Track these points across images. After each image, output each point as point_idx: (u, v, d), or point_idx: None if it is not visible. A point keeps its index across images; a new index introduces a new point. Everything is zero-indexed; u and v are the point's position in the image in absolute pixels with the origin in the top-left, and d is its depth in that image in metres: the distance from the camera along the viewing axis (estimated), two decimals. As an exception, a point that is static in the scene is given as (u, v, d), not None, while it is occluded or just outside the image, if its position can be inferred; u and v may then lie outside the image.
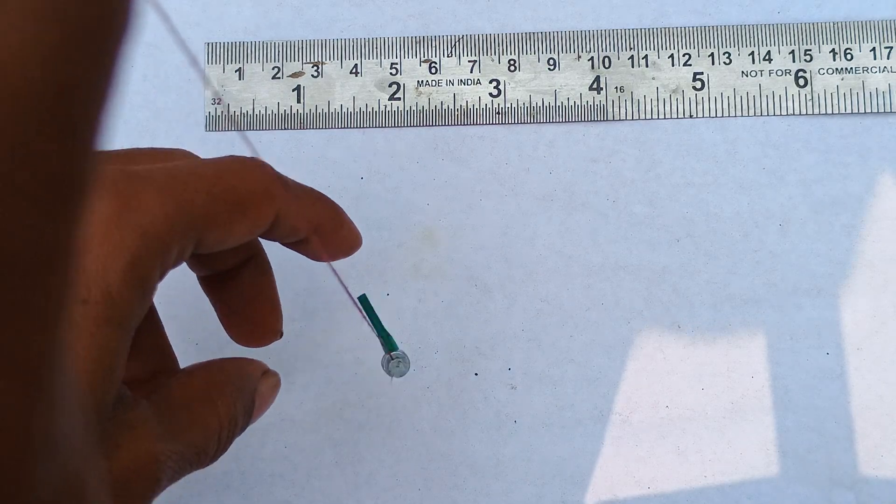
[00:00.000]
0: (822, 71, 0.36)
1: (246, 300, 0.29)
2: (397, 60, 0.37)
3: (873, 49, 0.36)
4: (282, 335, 0.29)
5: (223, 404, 0.25)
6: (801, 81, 0.36)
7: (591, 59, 0.37)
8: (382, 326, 0.30)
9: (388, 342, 0.30)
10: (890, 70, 0.36)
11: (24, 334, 0.11)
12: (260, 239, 0.29)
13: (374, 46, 0.37)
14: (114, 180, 0.22)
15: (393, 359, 0.30)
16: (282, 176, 0.26)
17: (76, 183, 0.11)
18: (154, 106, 0.37)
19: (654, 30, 0.37)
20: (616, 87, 0.36)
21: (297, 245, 0.28)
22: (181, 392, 0.25)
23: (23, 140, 0.10)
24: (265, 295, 0.29)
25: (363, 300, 0.30)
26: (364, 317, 0.30)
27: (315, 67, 0.37)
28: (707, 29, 0.37)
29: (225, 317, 0.29)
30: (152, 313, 0.27)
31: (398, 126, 0.37)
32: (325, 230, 0.27)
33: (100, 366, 0.21)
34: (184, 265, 0.29)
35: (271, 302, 0.29)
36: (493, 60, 0.37)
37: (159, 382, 0.25)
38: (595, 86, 0.37)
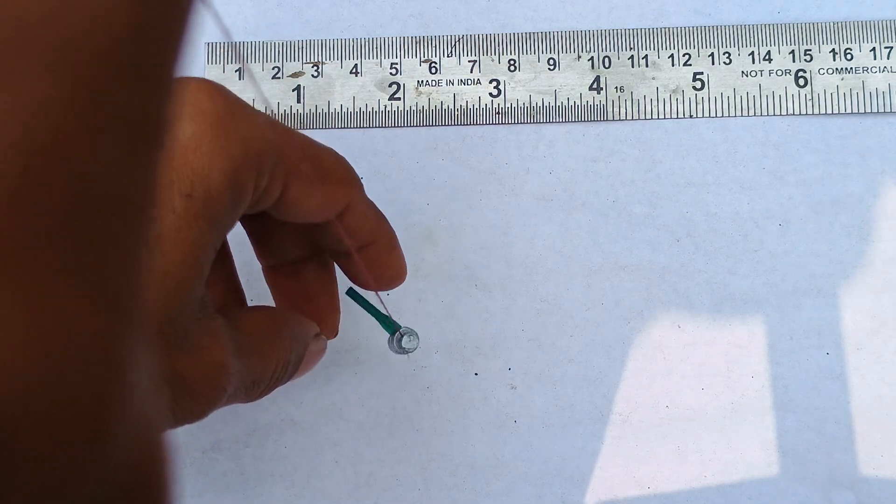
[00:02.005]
0: (822, 71, 0.36)
1: (307, 296, 0.30)
2: (397, 60, 0.37)
3: (873, 49, 0.36)
4: (337, 334, 0.30)
5: (282, 346, 0.26)
6: (801, 81, 0.36)
7: (591, 59, 0.37)
8: (377, 311, 0.31)
9: (386, 325, 0.31)
10: (890, 70, 0.36)
11: (112, 268, 0.11)
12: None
13: (374, 46, 0.37)
14: (226, 94, 0.24)
15: (403, 336, 0.31)
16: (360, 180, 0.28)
17: (154, 125, 0.12)
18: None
19: (654, 30, 0.37)
20: (616, 87, 0.36)
21: (349, 259, 0.29)
22: (250, 323, 0.26)
23: (105, 84, 0.11)
24: (326, 294, 0.30)
25: (351, 293, 0.30)
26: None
27: (315, 67, 0.37)
28: (707, 29, 0.37)
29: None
30: (226, 248, 0.28)
31: (398, 126, 0.37)
32: (380, 247, 0.28)
33: (193, 258, 0.23)
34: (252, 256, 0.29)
35: (331, 302, 0.30)
36: (493, 60, 0.37)
37: (230, 310, 0.26)
38: (595, 86, 0.37)
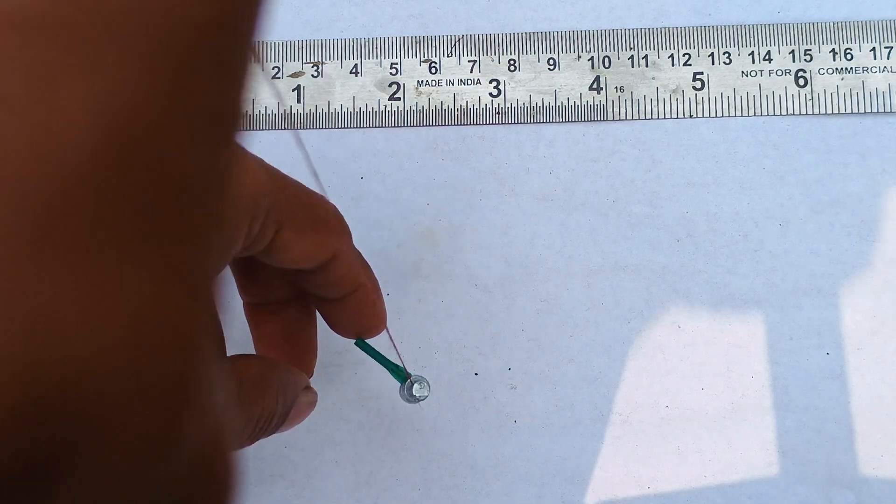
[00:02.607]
0: (822, 71, 0.36)
1: (286, 337, 0.30)
2: (397, 60, 0.37)
3: (873, 49, 0.36)
4: (312, 375, 0.30)
5: (269, 396, 0.26)
6: (801, 81, 0.36)
7: (591, 59, 0.37)
8: (387, 360, 0.31)
9: (396, 374, 0.31)
10: (890, 70, 0.36)
11: (191, 255, 0.12)
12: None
13: (374, 46, 0.37)
14: None
15: (413, 384, 0.31)
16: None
17: (231, 113, 0.12)
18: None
19: (654, 30, 0.37)
20: (616, 87, 0.36)
21: (332, 306, 0.29)
22: (237, 370, 0.25)
23: (187, 73, 0.11)
24: (305, 335, 0.30)
25: (360, 343, 0.30)
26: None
27: (315, 67, 0.37)
28: (707, 29, 0.37)
29: (263, 349, 0.30)
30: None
31: (398, 126, 0.37)
32: (363, 295, 0.28)
33: None
34: (234, 290, 0.29)
35: (309, 343, 0.30)
36: (493, 60, 0.37)
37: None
38: (595, 86, 0.37)
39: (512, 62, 0.37)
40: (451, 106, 0.37)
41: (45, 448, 0.10)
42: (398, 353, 0.31)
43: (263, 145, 0.36)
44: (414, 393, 0.31)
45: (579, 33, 0.37)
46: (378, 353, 0.30)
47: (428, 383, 0.31)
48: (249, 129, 0.37)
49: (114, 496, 0.11)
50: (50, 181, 0.10)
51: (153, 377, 0.11)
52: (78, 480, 0.11)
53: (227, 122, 0.12)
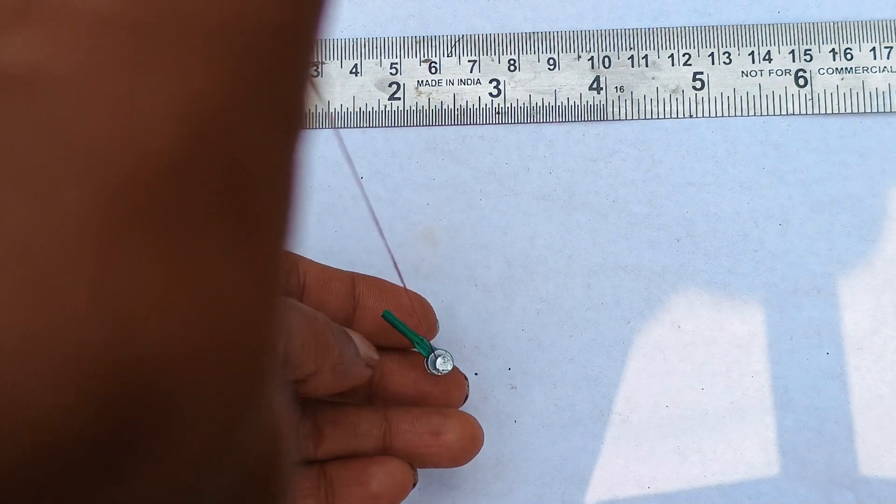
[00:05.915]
0: (822, 71, 0.36)
1: None
2: (397, 60, 0.37)
3: (873, 49, 0.36)
4: None
5: (329, 339, 0.27)
6: (801, 81, 0.36)
7: (591, 58, 0.37)
8: (413, 332, 0.31)
9: (421, 346, 0.31)
10: (890, 70, 0.36)
11: (262, 245, 0.12)
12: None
13: (374, 46, 0.37)
14: None
15: (437, 357, 0.31)
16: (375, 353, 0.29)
17: (298, 114, 0.13)
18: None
19: (654, 30, 0.37)
20: (616, 87, 0.36)
21: None
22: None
23: (256, 72, 0.11)
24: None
25: (387, 315, 0.30)
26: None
27: (315, 67, 0.37)
28: (707, 29, 0.37)
29: None
30: None
31: (398, 126, 0.37)
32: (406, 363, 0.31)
33: None
34: None
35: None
36: (492, 60, 0.37)
37: None
38: (595, 86, 0.37)
39: (512, 62, 0.37)
40: (451, 106, 0.37)
41: (123, 435, 0.10)
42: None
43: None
44: (437, 366, 0.31)
45: (579, 33, 0.37)
46: (405, 325, 0.31)
47: (451, 357, 0.31)
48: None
49: (181, 485, 0.11)
50: (133, 171, 0.10)
51: (228, 368, 0.11)
52: (150, 468, 0.11)
53: (294, 120, 0.12)
